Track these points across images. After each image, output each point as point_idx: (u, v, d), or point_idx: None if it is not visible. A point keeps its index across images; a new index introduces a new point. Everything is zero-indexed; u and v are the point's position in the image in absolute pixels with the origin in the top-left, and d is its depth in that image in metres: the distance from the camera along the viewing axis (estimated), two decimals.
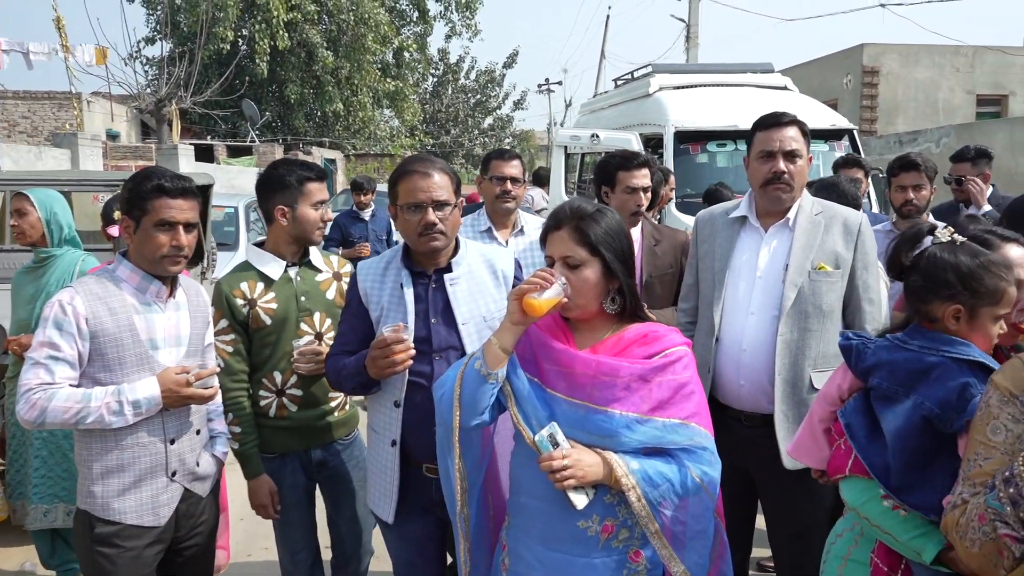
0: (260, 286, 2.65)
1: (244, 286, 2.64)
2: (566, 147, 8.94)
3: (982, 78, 15.00)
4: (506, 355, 1.91)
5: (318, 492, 2.90)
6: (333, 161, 22.44)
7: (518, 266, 2.49)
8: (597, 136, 7.68)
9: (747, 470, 2.65)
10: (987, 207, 4.56)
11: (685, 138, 7.26)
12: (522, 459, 1.97)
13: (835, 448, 1.99)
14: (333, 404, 2.77)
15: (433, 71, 32.60)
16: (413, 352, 2.18)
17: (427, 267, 2.35)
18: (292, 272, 2.72)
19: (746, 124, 7.90)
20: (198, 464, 2.41)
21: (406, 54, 25.83)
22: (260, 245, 2.76)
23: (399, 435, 2.30)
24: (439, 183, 2.26)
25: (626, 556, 1.88)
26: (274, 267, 2.69)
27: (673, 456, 1.85)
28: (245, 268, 2.70)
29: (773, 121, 2.65)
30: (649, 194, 3.46)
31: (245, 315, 2.62)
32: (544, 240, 2.00)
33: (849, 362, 1.96)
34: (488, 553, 2.12)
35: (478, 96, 34.44)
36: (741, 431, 2.61)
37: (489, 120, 35.40)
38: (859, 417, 1.88)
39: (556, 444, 1.82)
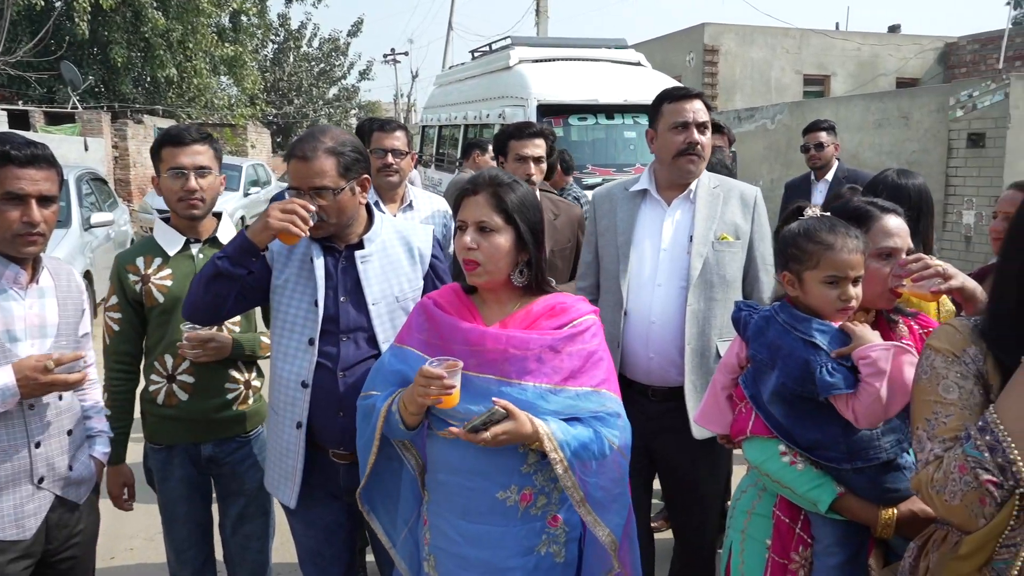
0: (157, 261, 2.46)
1: (140, 261, 2.46)
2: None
3: (808, 59, 16.17)
4: (422, 412, 1.89)
5: None
6: None
7: (437, 244, 2.40)
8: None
9: (646, 446, 2.66)
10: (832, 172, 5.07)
11: (547, 111, 7.34)
12: (437, 438, 1.95)
13: (737, 412, 2.07)
14: (230, 396, 2.55)
15: (274, 37, 31.06)
16: (307, 230, 2.05)
17: (337, 242, 2.22)
18: (195, 249, 2.52)
19: (606, 98, 8.17)
20: (71, 468, 2.16)
21: (244, 18, 24.39)
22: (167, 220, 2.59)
23: (305, 417, 2.18)
24: (317, 169, 2.11)
25: (544, 522, 1.92)
26: (173, 242, 2.49)
27: (586, 423, 1.88)
28: (147, 243, 2.53)
29: (683, 93, 2.67)
30: (543, 165, 3.44)
31: (138, 292, 2.43)
32: (458, 205, 1.96)
33: (739, 332, 2.05)
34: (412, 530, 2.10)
35: (322, 65, 33.25)
36: (649, 405, 2.64)
37: (334, 90, 34.31)
38: (759, 386, 1.96)
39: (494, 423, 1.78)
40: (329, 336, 2.18)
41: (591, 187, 6.32)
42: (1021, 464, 1.33)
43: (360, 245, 2.24)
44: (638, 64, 8.52)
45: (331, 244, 2.22)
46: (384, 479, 2.11)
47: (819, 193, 5.12)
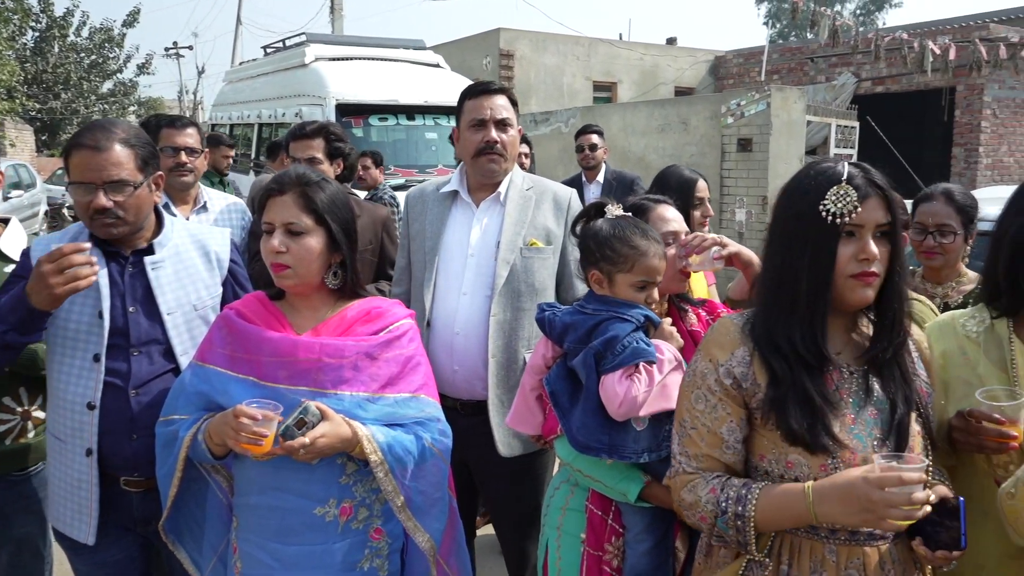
0: None
1: None
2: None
3: (597, 66, 17.01)
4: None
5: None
6: None
7: (235, 248, 2.24)
8: None
9: (462, 460, 2.48)
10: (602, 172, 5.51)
11: (347, 111, 7.19)
12: (245, 458, 1.81)
13: (548, 411, 2.10)
14: (2, 428, 2.24)
15: (34, 24, 28.01)
16: (96, 269, 1.85)
17: (122, 247, 2.02)
18: None
19: (406, 99, 8.14)
20: None
21: None
22: None
23: (95, 443, 1.96)
24: (114, 160, 1.92)
25: (367, 535, 1.85)
26: None
27: (408, 429, 1.84)
28: None
29: (482, 89, 2.55)
30: (323, 167, 3.30)
31: None
32: (263, 205, 1.84)
33: (545, 332, 2.08)
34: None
35: (93, 56, 30.41)
36: (458, 420, 2.39)
37: (109, 84, 31.51)
38: (561, 383, 1.99)
39: (310, 425, 1.68)
40: (117, 351, 1.98)
41: (396, 188, 6.26)
42: (754, 547, 1.50)
43: (149, 250, 2.05)
44: (437, 66, 8.57)
45: (114, 249, 2.02)
46: (187, 504, 1.96)
47: (592, 194, 5.42)
